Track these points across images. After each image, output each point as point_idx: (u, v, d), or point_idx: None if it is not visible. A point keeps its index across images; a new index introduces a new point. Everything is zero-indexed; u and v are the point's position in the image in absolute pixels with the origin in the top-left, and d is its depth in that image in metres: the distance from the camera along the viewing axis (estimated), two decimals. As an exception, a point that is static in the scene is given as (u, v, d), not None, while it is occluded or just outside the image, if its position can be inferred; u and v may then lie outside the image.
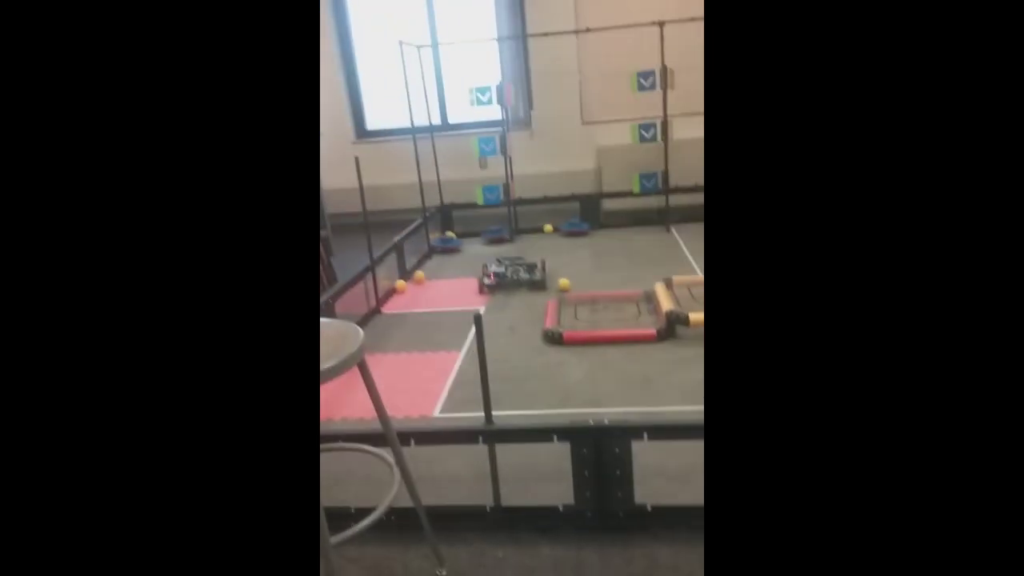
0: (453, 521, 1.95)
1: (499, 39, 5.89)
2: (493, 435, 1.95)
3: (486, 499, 1.97)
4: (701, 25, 5.31)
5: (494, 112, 5.61)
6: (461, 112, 6.16)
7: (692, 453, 2.14)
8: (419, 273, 4.72)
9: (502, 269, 4.36)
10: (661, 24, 4.92)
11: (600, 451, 1.87)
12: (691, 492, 1.99)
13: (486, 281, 4.24)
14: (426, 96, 5.41)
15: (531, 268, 4.33)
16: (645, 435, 1.87)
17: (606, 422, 1.89)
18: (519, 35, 5.84)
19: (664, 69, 5.00)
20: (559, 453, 1.91)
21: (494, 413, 1.97)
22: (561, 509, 1.93)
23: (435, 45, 6.14)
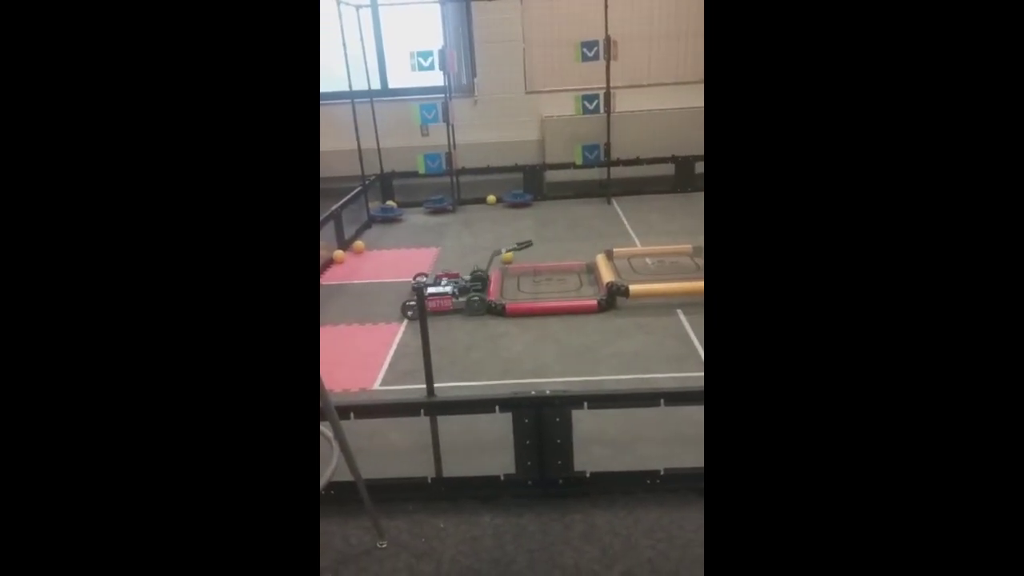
0: (394, 493, 1.94)
1: (442, 2, 5.72)
2: (435, 407, 1.93)
3: (427, 471, 1.96)
4: (645, -4, 5.26)
5: (436, 78, 5.47)
6: (402, 77, 5.98)
7: (630, 421, 2.20)
8: (359, 243, 4.60)
9: (447, 288, 3.42)
10: (605, -7, 4.90)
11: (541, 421, 1.89)
12: (628, 458, 2.05)
13: (431, 304, 3.27)
14: (365, 59, 5.22)
15: (477, 281, 3.49)
16: (585, 404, 1.90)
17: (547, 392, 1.91)
18: (462, -1, 5.69)
19: (608, 40, 4.99)
20: (501, 424, 1.92)
21: (436, 385, 1.96)
22: (502, 478, 1.95)
23: (374, 5, 5.90)
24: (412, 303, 3.31)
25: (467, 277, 3.53)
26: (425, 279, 3.66)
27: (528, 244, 3.93)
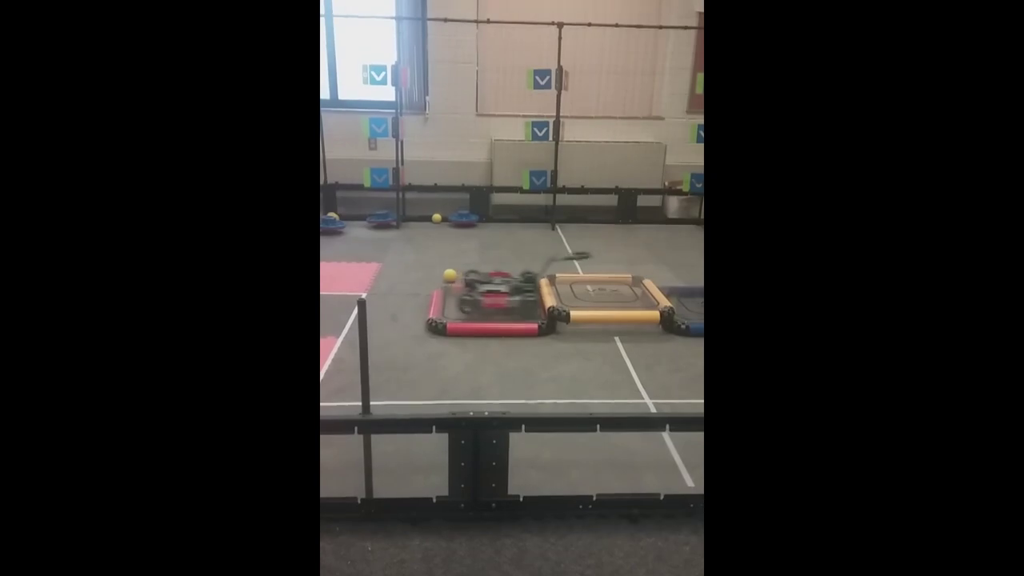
0: (321, 514, 1.87)
1: (397, 18, 5.72)
2: (370, 425, 1.89)
3: (357, 491, 1.90)
4: (597, 31, 5.46)
5: (388, 93, 5.44)
6: (353, 89, 5.91)
7: (565, 445, 2.21)
8: (298, 253, 4.48)
9: (502, 286, 3.53)
10: (560, 25, 5.02)
11: (478, 442, 1.88)
12: (562, 482, 2.06)
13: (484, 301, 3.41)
14: (316, 68, 5.13)
15: (529, 282, 3.62)
16: (523, 427, 1.90)
17: (486, 414, 1.89)
18: (419, 17, 5.71)
19: (560, 70, 5.11)
20: (436, 444, 1.89)
21: (371, 403, 1.91)
22: (435, 500, 1.91)
23: (329, 16, 5.84)
24: (467, 297, 3.50)
25: (518, 277, 3.68)
26: (476, 275, 3.70)
27: (585, 256, 3.99)
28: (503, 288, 3.48)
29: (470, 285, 3.54)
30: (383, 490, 1.92)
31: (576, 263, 4.57)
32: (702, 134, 5.39)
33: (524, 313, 3.43)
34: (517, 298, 3.47)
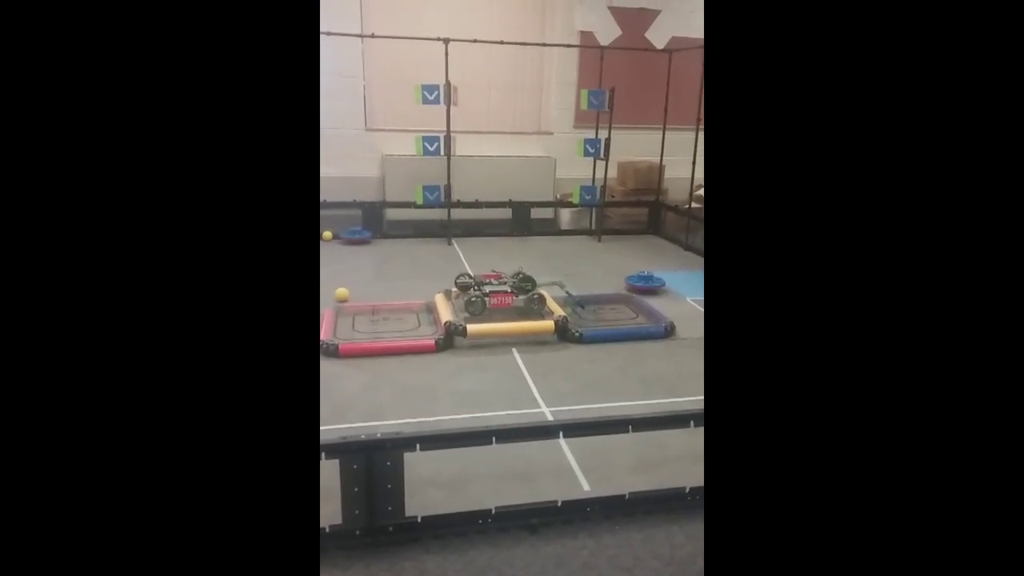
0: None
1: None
2: (253, 457, 1.77)
3: (243, 528, 1.78)
4: (485, 47, 5.55)
5: (270, 107, 5.23)
6: (232, 103, 5.64)
7: (464, 460, 2.19)
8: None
9: (506, 286, 3.64)
10: (446, 41, 5.05)
11: (371, 466, 1.82)
12: (462, 499, 2.03)
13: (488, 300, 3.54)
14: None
15: (527, 281, 3.71)
16: (417, 446, 1.86)
17: (378, 435, 1.84)
18: (300, 30, 5.54)
19: (448, 85, 5.13)
20: (328, 471, 1.81)
21: (255, 433, 1.80)
22: (328, 530, 1.82)
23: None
24: (475, 299, 3.54)
25: (511, 277, 3.73)
26: (470, 279, 3.71)
27: (562, 286, 3.92)
28: (506, 288, 3.64)
29: (463, 288, 3.67)
30: (271, 525, 1.81)
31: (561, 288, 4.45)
32: (589, 148, 5.60)
33: (531, 312, 3.62)
34: (523, 297, 3.65)
